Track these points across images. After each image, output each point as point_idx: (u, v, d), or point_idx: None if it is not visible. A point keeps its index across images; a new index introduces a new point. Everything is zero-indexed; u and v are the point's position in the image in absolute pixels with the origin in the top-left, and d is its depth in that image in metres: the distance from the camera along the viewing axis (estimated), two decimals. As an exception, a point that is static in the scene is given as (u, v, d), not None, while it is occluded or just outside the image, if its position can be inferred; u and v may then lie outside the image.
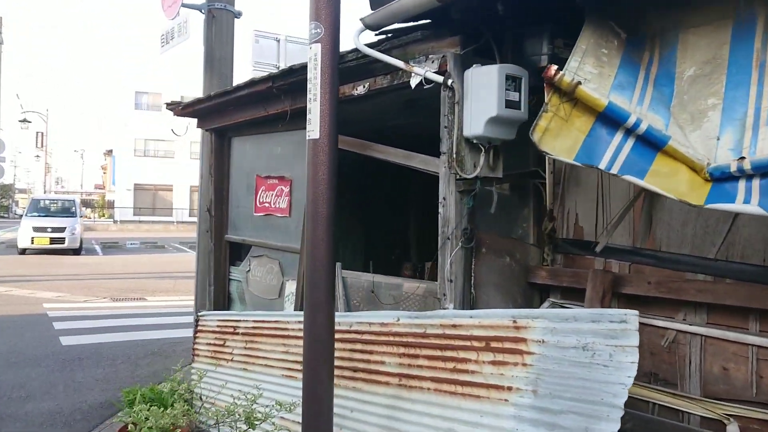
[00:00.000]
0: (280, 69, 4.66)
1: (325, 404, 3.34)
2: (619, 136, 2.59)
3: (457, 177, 3.50)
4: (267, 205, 5.60)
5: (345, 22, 3.41)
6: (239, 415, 3.62)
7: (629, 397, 2.59)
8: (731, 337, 2.99)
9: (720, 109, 2.59)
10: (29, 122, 40.76)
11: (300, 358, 4.49)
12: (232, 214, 6.34)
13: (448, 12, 3.34)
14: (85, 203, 39.27)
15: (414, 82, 3.65)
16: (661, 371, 3.26)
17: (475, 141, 3.42)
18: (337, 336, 3.59)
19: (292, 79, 4.54)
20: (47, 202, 24.82)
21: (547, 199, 3.45)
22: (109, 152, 51.41)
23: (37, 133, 46.96)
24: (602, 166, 2.59)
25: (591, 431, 2.62)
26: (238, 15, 8.34)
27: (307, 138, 3.38)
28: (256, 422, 3.69)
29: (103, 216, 49.48)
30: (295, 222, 5.23)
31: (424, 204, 7.91)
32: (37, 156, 48.72)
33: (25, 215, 22.77)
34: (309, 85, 3.38)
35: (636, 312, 2.66)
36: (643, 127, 2.52)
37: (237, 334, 5.26)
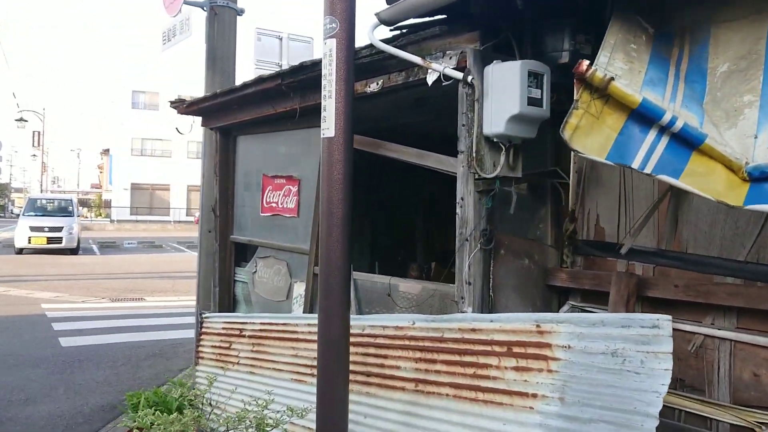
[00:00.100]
0: (291, 66, 4.55)
1: (339, 410, 3.25)
2: (652, 134, 2.49)
3: (476, 177, 3.40)
4: (274, 205, 5.48)
5: (358, 17, 3.31)
6: (250, 421, 3.51)
7: (655, 404, 2.50)
8: (763, 342, 2.89)
9: (757, 106, 2.49)
10: (26, 121, 40.54)
11: (310, 362, 4.42)
12: (238, 214, 6.23)
13: (467, 6, 3.24)
14: (82, 203, 39.11)
15: (431, 78, 3.55)
16: (688, 377, 3.16)
17: (495, 140, 3.32)
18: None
19: (302, 76, 4.43)
20: (44, 201, 24.68)
21: (570, 200, 3.35)
22: (106, 151, 51.18)
23: (34, 132, 46.73)
24: (635, 165, 2.49)
25: (623, 441, 2.52)
26: (240, 12, 8.24)
27: (322, 136, 3.28)
28: (267, 428, 3.58)
29: (100, 215, 49.28)
30: (303, 222, 5.12)
31: (431, 204, 7.81)
32: (34, 155, 48.47)
33: (22, 215, 22.62)
34: (324, 82, 3.28)
35: (669, 317, 2.56)
36: (678, 124, 2.43)
37: (243, 336, 5.15)
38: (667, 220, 3.28)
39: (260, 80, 4.89)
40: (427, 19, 3.59)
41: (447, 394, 3.28)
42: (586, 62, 2.46)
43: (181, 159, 46.34)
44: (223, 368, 4.84)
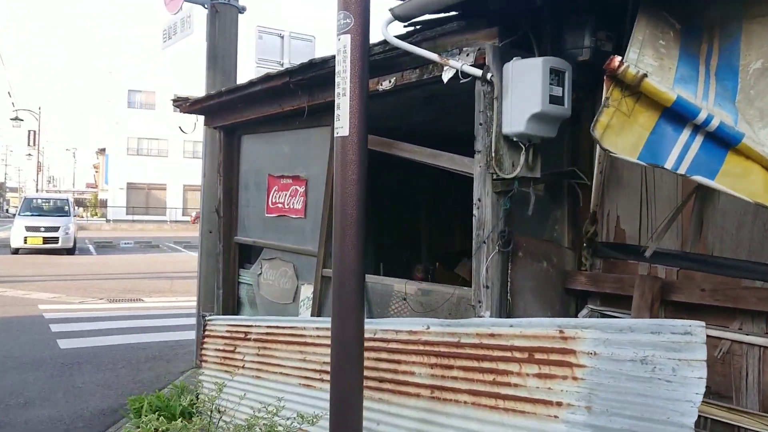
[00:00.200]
0: (300, 63, 4.44)
1: (354, 416, 3.14)
2: (686, 134, 2.39)
3: (494, 177, 3.30)
4: (280, 205, 5.37)
5: (370, 12, 3.20)
6: (260, 429, 3.41)
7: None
8: (794, 349, 2.80)
9: (794, 104, 2.39)
10: (21, 120, 40.29)
11: (319, 367, 4.31)
12: (242, 215, 6.12)
13: (485, 2, 3.14)
14: (78, 202, 38.89)
15: (446, 76, 3.45)
16: (714, 384, 3.07)
17: (515, 139, 3.22)
18: (361, 344, 3.38)
19: (312, 74, 4.33)
20: (40, 201, 24.45)
21: (592, 201, 3.25)
22: (102, 151, 50.92)
23: (29, 131, 46.47)
24: (668, 166, 2.39)
25: (657, 453, 2.43)
26: (242, 10, 8.15)
27: (335, 135, 3.18)
28: (277, 436, 3.48)
29: (96, 215, 49.02)
30: (310, 223, 5.02)
31: (435, 204, 7.72)
32: (29, 154, 48.18)
33: (18, 214, 22.42)
34: (337, 79, 3.18)
35: (702, 323, 2.47)
36: (714, 123, 2.33)
37: (248, 340, 5.04)
38: (692, 222, 3.19)
39: (267, 78, 4.78)
40: (442, 15, 3.49)
41: (465, 402, 3.18)
42: (618, 58, 2.36)
43: (177, 158, 46.15)
44: (231, 373, 4.72)
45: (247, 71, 9.27)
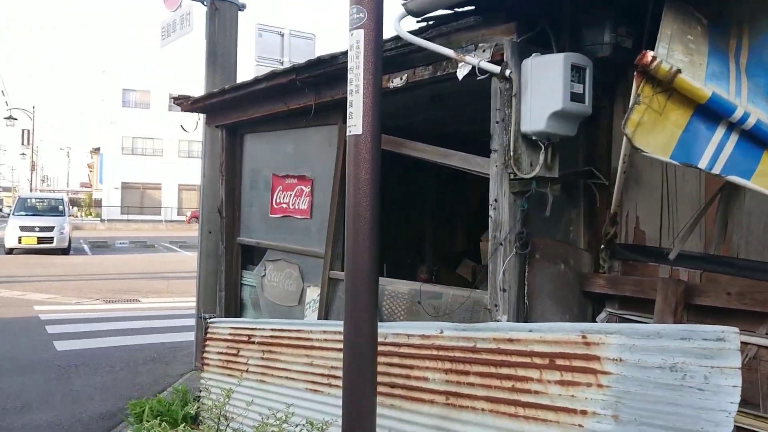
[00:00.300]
0: (307, 60, 4.33)
1: (367, 422, 3.04)
2: (720, 132, 2.30)
3: (512, 177, 3.20)
4: (285, 206, 5.26)
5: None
6: (269, 436, 3.30)
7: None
8: (825, 355, 2.71)
9: (830, 102, 2.30)
10: (15, 119, 40.01)
11: (326, 371, 4.20)
12: (245, 216, 6.00)
13: (503, -4, 3.05)
14: (72, 202, 38.58)
15: (462, 73, 3.35)
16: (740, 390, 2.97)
17: (534, 137, 3.12)
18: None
19: (319, 71, 4.22)
20: (35, 200, 24.25)
21: (613, 202, 3.16)
22: (96, 150, 50.66)
23: (23, 130, 46.14)
24: (702, 165, 2.30)
25: (691, 465, 2.33)
26: (242, 7, 8.04)
27: (348, 134, 3.06)
28: (287, 444, 3.37)
29: (90, 215, 48.75)
30: (317, 224, 4.91)
31: (439, 205, 7.63)
32: (23, 154, 47.81)
33: (12, 214, 22.20)
34: (350, 76, 3.06)
35: (735, 329, 2.37)
36: (751, 121, 2.24)
37: (252, 343, 4.93)
38: (716, 223, 3.09)
39: (273, 75, 4.67)
40: (456, 10, 3.39)
41: (483, 409, 3.08)
42: (651, 53, 2.26)
43: (172, 158, 45.95)
44: (234, 376, 4.60)
45: (246, 70, 9.16)
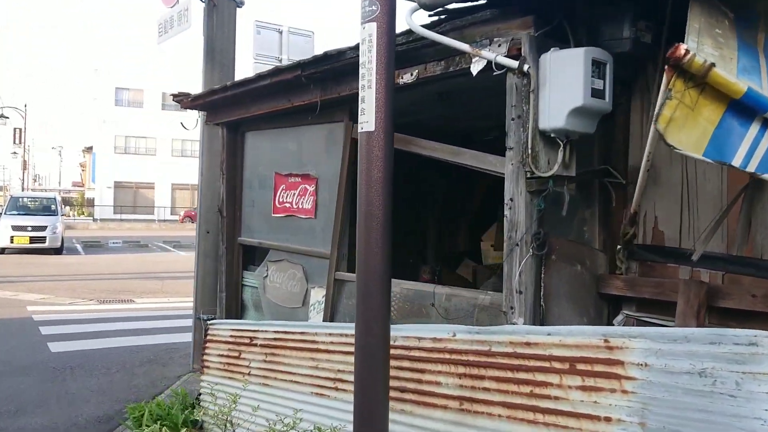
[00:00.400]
0: (313, 56, 4.22)
1: (379, 427, 2.94)
2: (755, 128, 2.21)
3: (529, 175, 3.10)
4: (288, 205, 5.15)
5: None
6: (277, 443, 3.19)
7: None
8: None
9: None
10: (6, 118, 39.69)
11: (333, 375, 4.10)
12: (246, 215, 5.88)
13: (519, -11, 2.95)
14: (64, 201, 38.17)
15: (476, 68, 3.25)
16: (764, 396, 2.88)
17: (552, 135, 3.03)
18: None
19: (326, 67, 4.11)
20: (27, 200, 24.03)
21: (634, 201, 3.06)
22: (89, 149, 50.35)
23: (15, 129, 45.77)
24: (736, 162, 2.21)
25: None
26: (240, 4, 7.94)
27: (360, 130, 2.97)
28: (295, 451, 3.27)
29: (83, 214, 48.44)
30: (321, 224, 4.80)
31: (442, 204, 7.53)
32: (14, 153, 47.40)
33: (4, 213, 21.97)
34: (362, 70, 2.96)
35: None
36: (788, 117, 2.15)
37: (254, 345, 4.82)
38: (739, 223, 3.00)
39: (277, 71, 4.57)
40: (470, 4, 3.29)
41: (499, 415, 2.98)
42: (684, 46, 2.17)
43: (165, 157, 45.75)
44: (243, 383, 4.48)
45: (245, 67, 9.03)
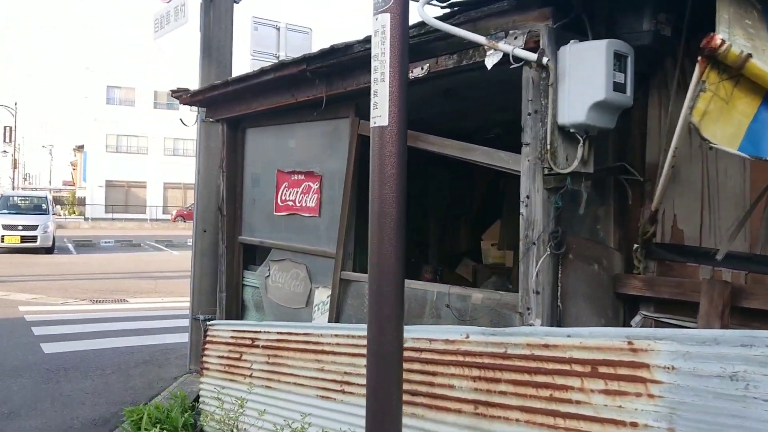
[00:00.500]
0: (320, 49, 4.11)
1: (393, 430, 2.85)
2: (792, 122, 2.12)
3: (546, 172, 3.01)
4: (291, 203, 5.03)
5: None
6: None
7: None
8: None
9: None
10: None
11: (339, 377, 3.99)
12: (246, 214, 5.76)
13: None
14: (55, 200, 37.83)
15: (491, 61, 3.15)
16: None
17: (572, 130, 2.93)
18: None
19: (332, 61, 4.00)
20: (18, 199, 23.78)
21: (656, 199, 2.97)
22: (80, 148, 49.98)
23: (5, 127, 45.38)
24: (773, 157, 2.12)
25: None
26: (237, 0, 7.79)
27: (372, 125, 2.86)
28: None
29: (74, 213, 48.09)
30: (326, 222, 4.69)
31: (443, 204, 7.43)
32: (5, 151, 47.02)
33: (-5, 212, 21.75)
34: (374, 63, 2.86)
35: (805, 336, 2.19)
36: (827, 110, 2.06)
37: (256, 347, 4.71)
38: (763, 222, 2.92)
39: (281, 65, 4.45)
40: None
41: (517, 419, 2.89)
42: (719, 36, 2.08)
43: (157, 156, 45.49)
44: (248, 387, 4.37)
45: (242, 64, 8.91)
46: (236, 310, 5.74)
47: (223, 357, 5.01)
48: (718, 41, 2.08)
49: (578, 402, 2.69)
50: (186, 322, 7.25)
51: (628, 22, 3.07)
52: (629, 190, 3.46)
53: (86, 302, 12.09)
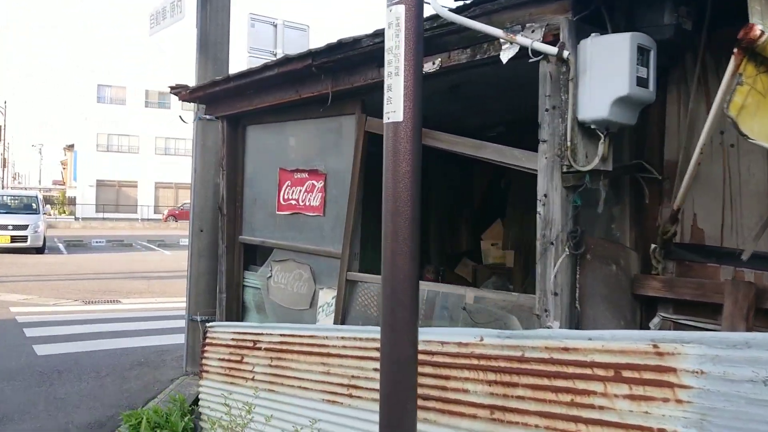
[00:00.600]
0: (327, 44, 3.99)
1: (407, 435, 2.75)
2: (833, 117, 2.03)
3: (565, 169, 2.91)
4: (294, 202, 4.92)
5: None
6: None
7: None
8: None
9: None
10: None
11: (346, 381, 3.89)
12: (247, 213, 5.64)
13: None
14: (45, 200, 37.50)
15: (507, 55, 3.05)
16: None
17: (592, 126, 2.84)
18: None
19: (339, 56, 3.90)
20: (7, 198, 23.49)
21: (678, 198, 2.88)
22: (70, 147, 49.61)
23: (-6, 126, 45.05)
24: (813, 154, 2.03)
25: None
26: (233, -6, 7.67)
27: (386, 121, 2.77)
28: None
29: (64, 213, 47.72)
30: (331, 222, 4.58)
31: (444, 204, 7.34)
32: (-6, 150, 46.64)
33: (-17, 212, 21.48)
34: (388, 57, 2.76)
35: (843, 339, 2.11)
36: None
37: (258, 349, 4.60)
38: (788, 221, 2.83)
39: (286, 60, 4.34)
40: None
41: (536, 425, 2.80)
42: (759, 26, 1.99)
43: (148, 155, 45.22)
44: (254, 390, 4.26)
45: (239, 61, 8.80)
46: (237, 311, 5.62)
47: (223, 359, 4.90)
48: (758, 32, 1.99)
49: (602, 407, 2.60)
50: (181, 323, 7.12)
51: (648, 16, 2.98)
52: (646, 189, 3.38)
53: (78, 303, 11.93)
